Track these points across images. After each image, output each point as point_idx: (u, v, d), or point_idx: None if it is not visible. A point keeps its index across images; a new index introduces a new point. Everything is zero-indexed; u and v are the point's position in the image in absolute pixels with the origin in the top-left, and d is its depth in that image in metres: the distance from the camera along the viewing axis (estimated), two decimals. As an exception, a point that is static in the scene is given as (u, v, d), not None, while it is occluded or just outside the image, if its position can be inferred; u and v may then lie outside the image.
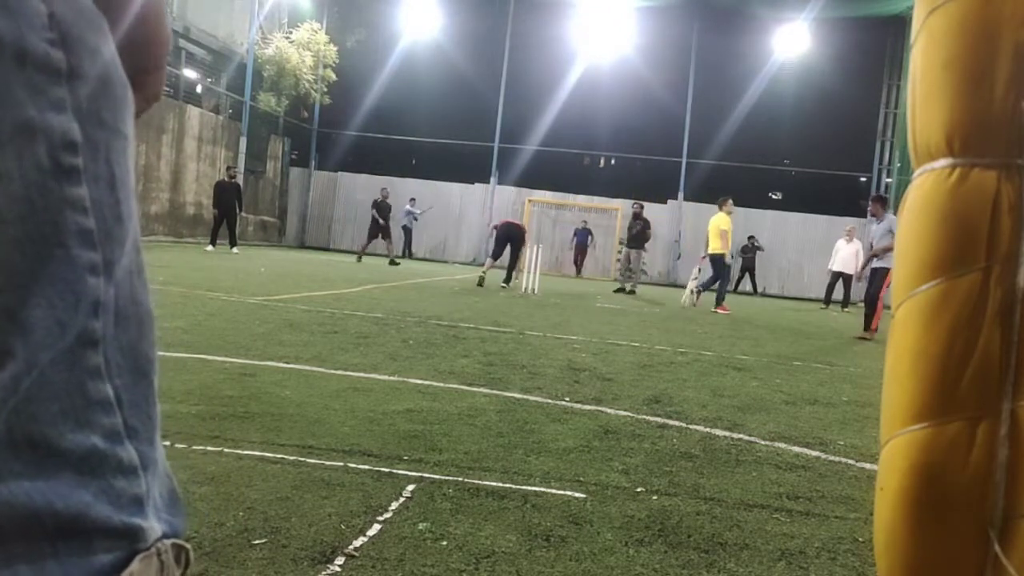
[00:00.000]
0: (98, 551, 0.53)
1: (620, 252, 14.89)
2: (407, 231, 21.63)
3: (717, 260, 11.80)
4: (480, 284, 12.16)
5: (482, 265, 20.00)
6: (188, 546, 0.61)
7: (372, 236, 17.60)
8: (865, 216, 22.51)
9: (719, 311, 11.56)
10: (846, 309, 15.56)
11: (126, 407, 0.56)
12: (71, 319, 0.51)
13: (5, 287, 0.49)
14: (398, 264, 17.03)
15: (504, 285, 12.75)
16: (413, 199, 21.89)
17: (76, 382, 0.52)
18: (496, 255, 13.00)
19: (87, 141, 0.53)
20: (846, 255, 15.54)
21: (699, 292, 12.20)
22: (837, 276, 15.68)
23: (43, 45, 0.50)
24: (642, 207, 14.76)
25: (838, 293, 15.97)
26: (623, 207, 21.32)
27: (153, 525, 0.57)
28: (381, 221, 17.43)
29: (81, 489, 0.52)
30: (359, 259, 17.47)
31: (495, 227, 13.38)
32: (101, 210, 0.53)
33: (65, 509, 0.51)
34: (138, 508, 0.56)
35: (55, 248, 0.51)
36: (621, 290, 14.15)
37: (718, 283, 11.93)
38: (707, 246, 12.15)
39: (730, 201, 12.17)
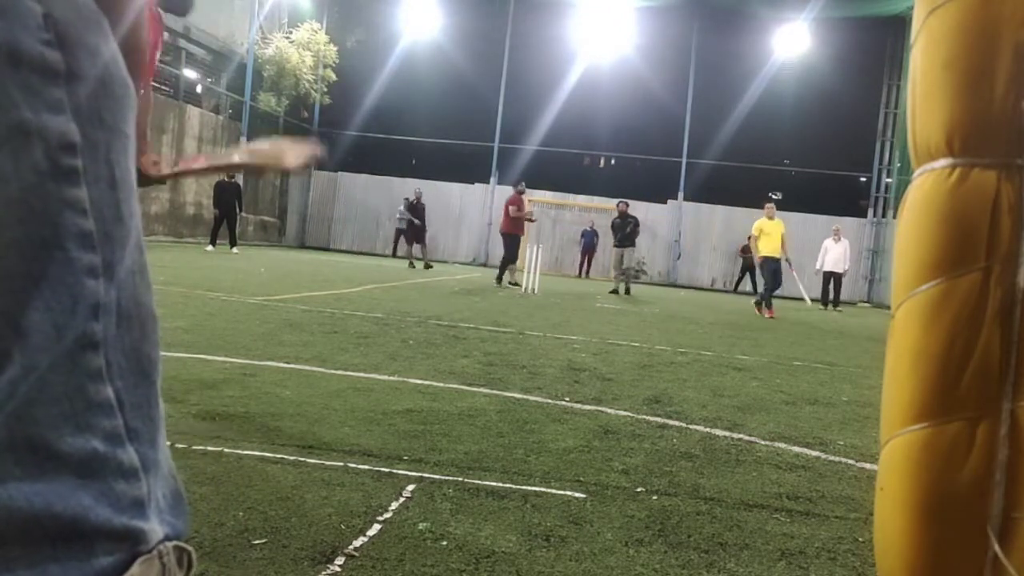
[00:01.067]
0: (99, 554, 0.53)
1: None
2: (400, 232, 21.57)
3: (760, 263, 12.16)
4: (525, 290, 12.05)
5: (483, 265, 19.90)
6: (190, 548, 0.61)
7: (411, 240, 17.18)
8: (865, 216, 22.55)
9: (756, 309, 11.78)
10: (838, 308, 15.59)
11: (128, 409, 0.56)
12: (69, 322, 0.51)
13: (3, 291, 0.49)
14: (431, 267, 16.65)
15: (511, 284, 12.73)
16: (407, 199, 21.83)
17: (76, 385, 0.52)
18: (515, 257, 12.98)
19: (87, 141, 0.53)
20: (835, 255, 15.57)
21: (765, 299, 11.93)
22: (829, 276, 15.70)
23: (38, 47, 0.50)
24: (627, 205, 14.73)
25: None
26: (623, 207, 21.34)
27: (155, 527, 0.57)
28: (417, 222, 16.93)
29: (81, 492, 0.52)
30: (411, 265, 17.03)
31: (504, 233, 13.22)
32: (101, 211, 0.53)
33: (64, 512, 0.51)
34: (139, 510, 0.56)
35: (54, 251, 0.50)
36: (615, 292, 14.07)
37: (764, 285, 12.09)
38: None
39: (767, 205, 12.24)
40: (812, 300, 14.11)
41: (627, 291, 14.05)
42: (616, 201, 15.49)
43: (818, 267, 15.91)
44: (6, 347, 0.48)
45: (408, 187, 22.49)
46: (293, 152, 1.94)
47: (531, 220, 13.15)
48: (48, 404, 0.50)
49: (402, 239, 19.08)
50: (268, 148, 1.98)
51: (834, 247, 15.62)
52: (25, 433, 0.49)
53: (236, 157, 2.08)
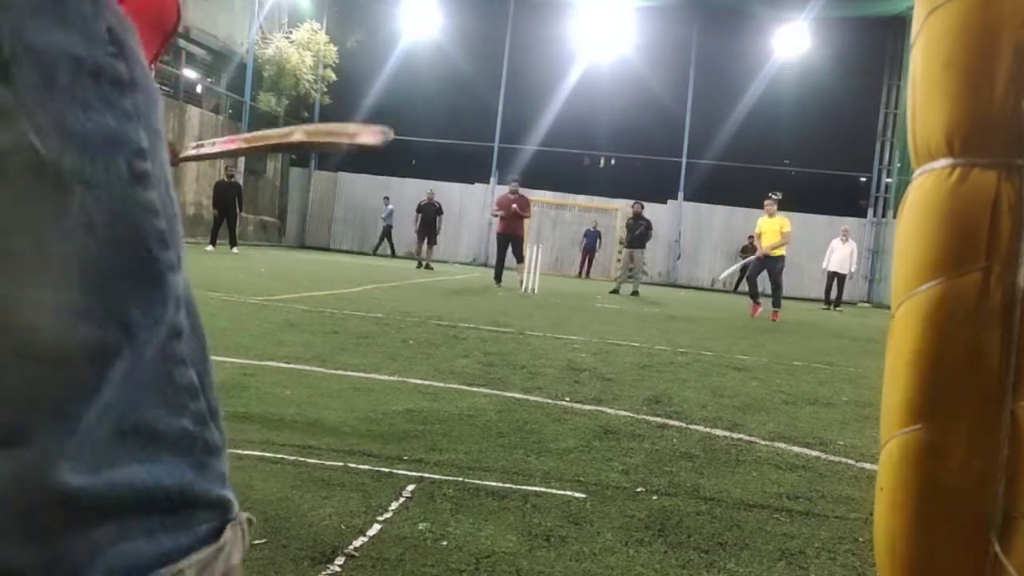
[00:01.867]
0: (200, 522, 0.59)
1: (620, 253, 14.73)
2: (389, 231, 21.61)
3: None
4: (525, 290, 11.96)
5: (483, 265, 19.82)
6: (252, 517, 0.68)
7: (422, 239, 17.13)
8: (865, 216, 22.55)
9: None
10: (838, 308, 15.62)
11: (206, 390, 0.62)
12: (164, 315, 0.56)
13: (109, 293, 0.53)
14: (432, 268, 16.69)
15: (521, 282, 12.70)
16: (386, 197, 21.85)
17: (166, 372, 0.57)
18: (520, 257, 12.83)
19: (150, 146, 0.56)
20: (841, 255, 15.58)
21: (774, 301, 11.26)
22: (833, 276, 15.71)
23: (108, 59, 0.53)
24: (643, 206, 14.68)
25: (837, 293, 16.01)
26: (623, 207, 21.27)
27: (233, 498, 0.64)
28: (435, 225, 16.96)
29: (184, 467, 0.58)
30: (420, 265, 16.92)
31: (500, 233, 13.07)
32: (167, 210, 0.57)
33: (173, 486, 0.57)
34: (223, 483, 0.63)
35: (141, 251, 0.54)
36: (616, 291, 14.05)
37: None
38: None
39: (766, 203, 11.29)
40: (724, 282, 12.88)
41: (634, 292, 14.02)
42: (632, 202, 15.35)
43: (824, 266, 15.93)
44: (118, 346, 0.52)
45: (408, 187, 22.57)
46: (365, 130, 1.72)
47: (497, 215, 12.92)
48: (147, 390, 0.56)
49: (394, 238, 18.99)
50: (332, 127, 1.79)
51: (840, 247, 15.64)
52: (132, 418, 0.54)
53: (296, 136, 1.84)
